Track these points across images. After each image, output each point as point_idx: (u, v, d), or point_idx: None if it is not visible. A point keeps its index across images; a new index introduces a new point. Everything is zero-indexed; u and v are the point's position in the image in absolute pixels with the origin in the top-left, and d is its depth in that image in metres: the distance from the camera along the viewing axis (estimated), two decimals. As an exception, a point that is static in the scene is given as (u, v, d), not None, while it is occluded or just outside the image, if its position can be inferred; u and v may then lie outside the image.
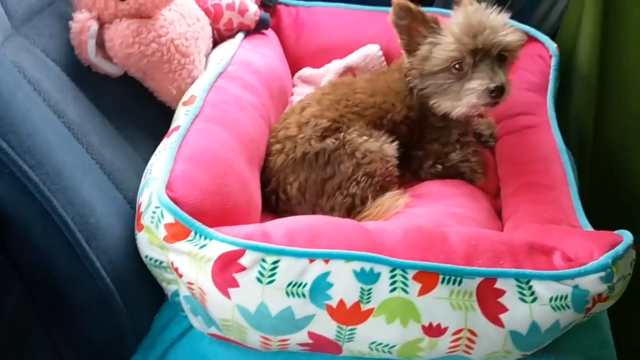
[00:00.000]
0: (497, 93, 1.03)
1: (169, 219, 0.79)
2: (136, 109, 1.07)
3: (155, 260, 0.85)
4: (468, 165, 1.16)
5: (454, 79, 1.06)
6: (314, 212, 1.04)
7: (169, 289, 0.88)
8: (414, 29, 1.08)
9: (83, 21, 0.96)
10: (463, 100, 1.06)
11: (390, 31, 1.33)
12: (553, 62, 1.26)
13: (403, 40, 1.10)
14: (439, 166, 1.15)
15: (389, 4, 1.39)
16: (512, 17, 1.39)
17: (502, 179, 1.18)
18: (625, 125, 1.42)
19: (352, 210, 1.04)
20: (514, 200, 1.09)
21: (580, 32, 1.37)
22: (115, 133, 1.00)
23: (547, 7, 1.46)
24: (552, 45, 1.27)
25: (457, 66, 1.05)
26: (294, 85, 1.36)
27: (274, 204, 1.06)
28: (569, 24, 1.41)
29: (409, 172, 1.17)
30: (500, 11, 1.09)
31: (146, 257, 0.85)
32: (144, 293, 0.92)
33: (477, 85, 1.04)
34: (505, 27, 1.07)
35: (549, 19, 1.47)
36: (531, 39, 1.28)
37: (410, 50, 1.10)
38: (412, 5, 1.06)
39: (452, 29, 1.06)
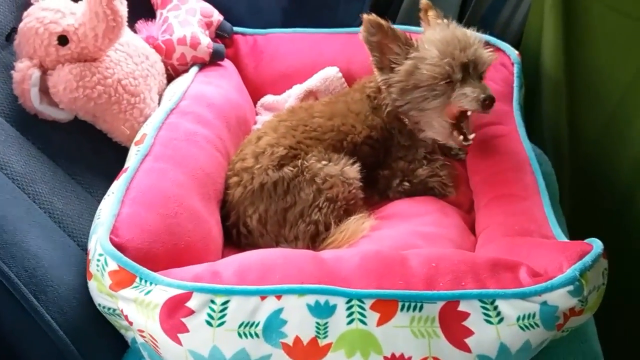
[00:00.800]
0: (490, 102, 1.03)
1: (112, 266, 0.76)
2: (89, 153, 1.05)
3: (109, 309, 0.82)
4: (437, 179, 1.14)
5: (440, 92, 1.05)
6: (277, 244, 1.01)
7: (128, 335, 0.86)
8: (385, 45, 1.07)
9: (24, 70, 0.95)
10: (452, 105, 1.06)
11: (349, 51, 1.33)
12: (516, 70, 1.24)
13: (375, 58, 1.09)
14: (406, 183, 1.12)
15: (345, 26, 1.39)
16: (474, 26, 1.38)
17: (474, 192, 1.16)
18: (601, 125, 1.39)
19: (316, 238, 1.01)
20: (486, 213, 1.07)
21: (543, 37, 1.35)
22: (67, 179, 0.98)
23: (509, 15, 1.44)
24: (514, 53, 1.25)
25: (447, 80, 1.04)
26: (257, 114, 1.34)
27: (236, 238, 1.02)
28: (532, 30, 1.39)
29: (377, 193, 1.14)
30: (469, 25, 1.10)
31: (99, 305, 0.83)
32: (105, 342, 0.89)
33: (469, 92, 1.03)
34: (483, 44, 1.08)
35: (511, 26, 1.45)
36: (493, 47, 1.26)
37: (383, 67, 1.09)
38: (382, 21, 1.06)
39: (436, 44, 1.05)
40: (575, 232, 1.18)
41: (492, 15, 1.45)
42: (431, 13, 1.15)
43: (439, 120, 1.08)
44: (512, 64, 1.25)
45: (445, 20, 1.13)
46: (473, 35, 1.08)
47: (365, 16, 1.05)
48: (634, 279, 1.28)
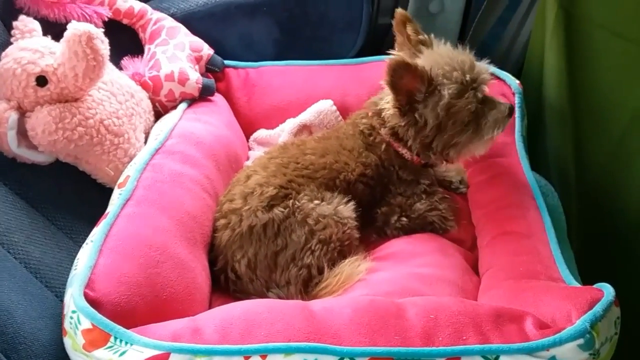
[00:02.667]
0: (510, 112, 1.06)
1: (85, 324, 0.71)
2: (72, 196, 1.01)
3: (84, 368, 0.76)
4: (436, 213, 1.09)
5: (474, 120, 1.03)
6: (267, 289, 0.96)
7: (108, 395, 0.80)
8: (412, 86, 1.00)
9: (0, 113, 0.91)
10: (486, 135, 1.05)
11: (344, 83, 1.30)
12: (517, 100, 1.20)
13: (399, 100, 1.01)
14: (404, 219, 1.07)
15: (339, 57, 1.35)
16: (475, 55, 1.34)
17: (477, 228, 1.11)
18: (608, 153, 1.34)
19: (309, 283, 0.96)
20: (489, 253, 1.02)
21: (545, 64, 1.31)
22: (46, 225, 0.94)
23: (509, 42, 1.41)
24: (514, 82, 1.20)
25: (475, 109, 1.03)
26: (250, 149, 1.30)
27: (225, 284, 0.97)
28: (533, 58, 1.35)
29: (375, 231, 1.09)
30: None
31: (74, 363, 0.77)
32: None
33: (498, 114, 1.04)
34: None
35: (512, 54, 1.41)
36: (493, 77, 1.21)
37: (404, 108, 1.02)
38: (409, 60, 0.98)
39: (451, 74, 1.00)
40: (585, 266, 1.12)
41: (492, 43, 1.42)
42: (410, 27, 1.08)
43: (476, 144, 1.06)
44: (513, 93, 1.21)
45: (425, 37, 1.08)
46: (462, 51, 1.06)
47: (391, 60, 0.97)
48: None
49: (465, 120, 1.02)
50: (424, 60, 1.04)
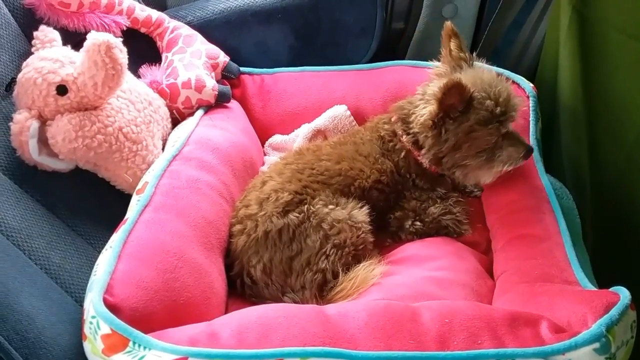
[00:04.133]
0: (528, 154, 1.05)
1: (105, 329, 0.72)
2: (92, 202, 1.03)
3: (104, 371, 0.78)
4: (451, 217, 1.09)
5: (488, 151, 1.04)
6: (283, 294, 0.96)
7: (127, 399, 0.81)
8: (454, 105, 1.00)
9: (22, 122, 0.93)
10: (496, 167, 1.05)
11: (358, 89, 1.30)
12: (531, 103, 1.20)
13: (437, 115, 1.01)
14: (418, 223, 1.08)
15: (354, 63, 1.36)
16: (488, 59, 1.34)
17: (492, 232, 1.11)
18: (623, 155, 1.33)
19: (324, 287, 0.96)
20: (504, 256, 1.02)
21: (559, 67, 1.30)
22: (66, 231, 0.96)
23: (522, 45, 1.40)
24: (529, 86, 1.20)
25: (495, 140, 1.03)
26: (265, 154, 1.31)
27: (240, 289, 0.98)
28: (547, 61, 1.35)
29: (389, 236, 1.10)
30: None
31: (95, 367, 0.78)
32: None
33: (514, 153, 1.04)
34: None
35: (525, 57, 1.41)
36: (507, 81, 1.21)
37: (439, 122, 1.02)
38: (464, 82, 0.98)
39: (486, 103, 1.00)
40: (600, 269, 1.12)
41: (506, 46, 1.41)
42: (454, 42, 1.09)
43: (483, 171, 1.06)
44: (528, 97, 1.20)
45: (467, 54, 1.09)
46: (502, 80, 1.06)
47: (449, 81, 0.97)
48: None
49: (482, 147, 1.03)
50: (465, 78, 1.03)
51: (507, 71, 1.24)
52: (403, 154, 1.09)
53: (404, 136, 1.09)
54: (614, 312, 0.73)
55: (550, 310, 0.79)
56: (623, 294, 0.76)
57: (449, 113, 1.01)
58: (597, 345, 0.70)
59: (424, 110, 1.04)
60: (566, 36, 1.26)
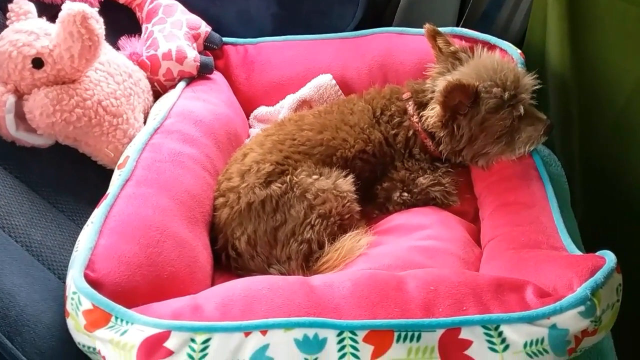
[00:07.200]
0: (547, 131, 1.03)
1: (86, 305, 0.72)
2: (73, 178, 1.01)
3: (89, 347, 0.77)
4: (439, 188, 1.08)
5: (507, 135, 1.02)
6: (269, 265, 0.96)
7: (112, 375, 0.81)
8: (461, 103, 1.00)
9: (-2, 96, 0.91)
10: (518, 149, 1.04)
11: (344, 58, 1.28)
12: (520, 69, 1.17)
13: (444, 116, 1.01)
14: (406, 194, 1.07)
15: (339, 30, 1.33)
16: (476, 24, 1.31)
17: (479, 200, 1.10)
18: (612, 121, 1.32)
19: (310, 257, 0.96)
20: (491, 224, 1.01)
21: (547, 32, 1.28)
22: (47, 208, 0.94)
23: (510, 10, 1.37)
24: (516, 52, 1.18)
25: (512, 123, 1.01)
26: (250, 126, 1.29)
27: (226, 263, 0.97)
28: (535, 26, 1.32)
29: (377, 208, 1.09)
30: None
31: (79, 343, 0.78)
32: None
33: (534, 132, 1.02)
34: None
35: (513, 22, 1.38)
36: (493, 47, 1.19)
37: (448, 121, 1.02)
38: (464, 80, 0.97)
39: (494, 90, 0.99)
40: (589, 234, 1.12)
41: (493, 12, 1.38)
42: (440, 40, 1.09)
43: (507, 155, 1.05)
44: (515, 63, 1.18)
45: (457, 47, 1.08)
46: (507, 63, 1.05)
47: (449, 83, 0.96)
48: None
49: (498, 134, 1.02)
50: (468, 71, 1.03)
51: (493, 37, 1.21)
52: (411, 132, 1.08)
53: (415, 116, 1.08)
54: (599, 275, 0.73)
55: (537, 276, 0.79)
56: (609, 257, 0.76)
57: (458, 111, 1.00)
58: (582, 308, 0.70)
59: (432, 112, 1.03)
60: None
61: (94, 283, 0.74)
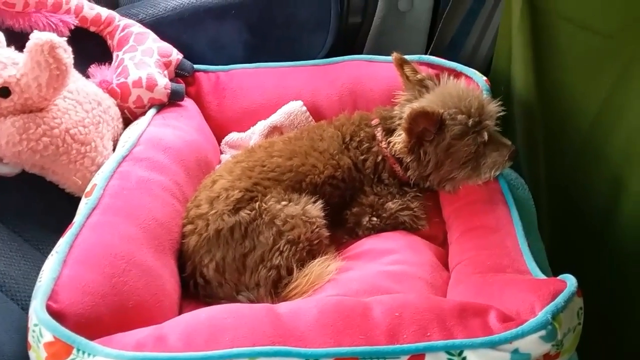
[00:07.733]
0: (512, 156, 1.06)
1: (47, 337, 0.70)
2: (40, 207, 1.00)
3: (51, 381, 0.76)
4: (408, 213, 1.09)
5: (472, 161, 1.04)
6: (237, 293, 0.96)
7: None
8: (426, 130, 1.02)
9: (-37, 125, 0.90)
10: (483, 174, 1.05)
11: (314, 84, 1.30)
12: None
13: (410, 142, 1.03)
14: (375, 219, 1.08)
15: (310, 58, 1.35)
16: (444, 51, 1.34)
17: (447, 224, 1.12)
18: (577, 145, 1.35)
19: (279, 284, 0.96)
20: (458, 248, 1.03)
21: (512, 60, 1.31)
22: (12, 237, 0.93)
23: (476, 38, 1.41)
24: (482, 79, 1.21)
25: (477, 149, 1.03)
26: (222, 152, 1.29)
27: (194, 290, 0.97)
28: (501, 53, 1.36)
29: (346, 233, 1.10)
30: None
31: (40, 377, 0.76)
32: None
33: (499, 158, 1.05)
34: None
35: (480, 49, 1.42)
36: (459, 75, 1.22)
37: (414, 148, 1.04)
38: (429, 108, 0.99)
39: (458, 117, 1.01)
40: (558, 256, 1.13)
41: (461, 39, 1.42)
42: (407, 68, 1.11)
43: (473, 180, 1.07)
44: (481, 91, 1.21)
45: (423, 75, 1.10)
46: (472, 90, 1.07)
47: (412, 111, 0.98)
48: (617, 300, 1.22)
49: (464, 159, 1.04)
50: (433, 98, 1.05)
51: (459, 65, 1.24)
52: (380, 157, 1.10)
53: (383, 142, 1.10)
54: (559, 299, 0.74)
55: (500, 300, 0.80)
56: (570, 281, 0.77)
57: (423, 137, 1.02)
58: (543, 332, 0.71)
59: (399, 138, 1.05)
60: (518, 27, 1.27)
61: (56, 314, 0.72)
